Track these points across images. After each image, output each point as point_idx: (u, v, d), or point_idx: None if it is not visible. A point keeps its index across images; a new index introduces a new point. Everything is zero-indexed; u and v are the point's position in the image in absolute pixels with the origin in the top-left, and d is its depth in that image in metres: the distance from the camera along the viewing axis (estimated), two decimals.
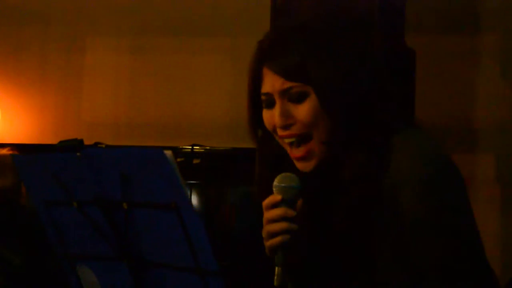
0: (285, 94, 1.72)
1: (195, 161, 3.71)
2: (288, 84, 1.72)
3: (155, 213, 1.72)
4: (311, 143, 1.73)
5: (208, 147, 3.76)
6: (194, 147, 3.71)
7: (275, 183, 1.72)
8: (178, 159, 1.49)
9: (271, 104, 1.76)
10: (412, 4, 3.29)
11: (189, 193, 2.58)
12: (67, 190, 1.83)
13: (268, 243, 1.72)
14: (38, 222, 1.98)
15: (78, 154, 1.79)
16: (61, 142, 2.96)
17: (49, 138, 4.08)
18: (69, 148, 1.84)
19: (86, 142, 3.17)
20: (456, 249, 1.68)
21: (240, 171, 3.70)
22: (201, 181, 3.67)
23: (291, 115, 1.73)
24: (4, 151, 3.41)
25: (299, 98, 1.72)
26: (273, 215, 1.71)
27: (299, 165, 1.75)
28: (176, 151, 3.58)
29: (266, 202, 1.73)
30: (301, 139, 1.74)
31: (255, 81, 1.80)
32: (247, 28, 4.10)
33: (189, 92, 4.25)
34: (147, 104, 4.30)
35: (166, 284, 1.82)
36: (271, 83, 1.75)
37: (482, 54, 3.68)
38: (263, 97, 1.77)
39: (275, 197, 1.71)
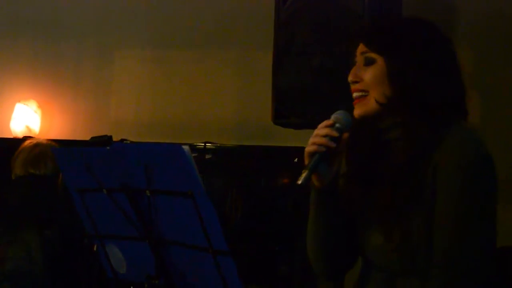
0: (361, 56, 1.83)
1: (207, 156, 3.69)
2: (365, 49, 1.82)
3: (174, 200, 1.71)
4: (367, 98, 1.80)
5: (218, 144, 3.74)
6: (207, 144, 3.69)
7: (334, 114, 1.81)
8: (193, 154, 1.49)
9: (354, 64, 1.86)
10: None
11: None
12: (98, 179, 1.82)
13: (307, 148, 1.77)
14: (71, 206, 1.97)
15: (107, 148, 1.77)
16: (92, 138, 2.95)
17: (82, 135, 4.06)
18: (100, 143, 1.83)
19: (113, 139, 3.16)
20: (470, 225, 1.69)
21: (245, 165, 3.69)
22: (212, 173, 3.66)
23: (358, 74, 1.82)
24: (45, 141, 3.39)
25: (368, 63, 1.81)
26: (321, 131, 1.77)
27: (355, 110, 1.83)
28: (191, 147, 3.55)
29: (321, 124, 1.80)
30: (361, 95, 1.81)
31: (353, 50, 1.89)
32: (252, 41, 4.08)
33: (202, 96, 4.23)
34: (166, 106, 4.28)
35: (182, 261, 1.81)
36: (359, 48, 1.85)
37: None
38: (354, 60, 1.87)
39: (328, 121, 1.79)
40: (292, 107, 3.18)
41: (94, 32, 4.44)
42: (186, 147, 1.66)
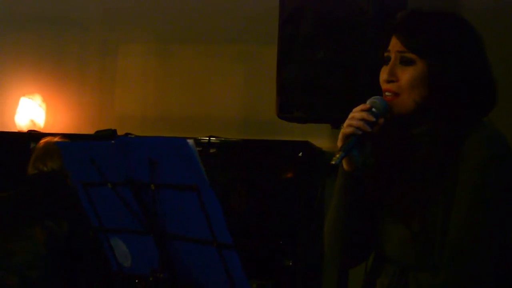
0: (397, 54, 1.80)
1: (212, 150, 3.69)
2: (403, 48, 1.79)
3: (179, 193, 1.71)
4: (402, 97, 1.79)
5: (223, 138, 3.74)
6: (211, 138, 3.69)
7: (371, 98, 1.80)
8: (197, 148, 1.49)
9: (387, 62, 1.83)
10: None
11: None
12: (102, 173, 1.82)
13: (344, 130, 1.76)
14: (79, 199, 1.97)
15: (112, 142, 1.78)
16: (97, 132, 2.95)
17: (87, 129, 4.07)
18: (105, 137, 1.83)
19: (118, 133, 3.17)
20: (482, 221, 1.70)
21: (249, 159, 3.69)
22: (216, 167, 3.66)
23: (395, 73, 1.80)
24: (56, 139, 3.42)
25: (407, 62, 1.78)
26: (356, 114, 1.77)
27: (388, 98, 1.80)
28: (195, 141, 3.56)
29: (356, 107, 1.79)
30: (392, 94, 1.80)
31: (384, 45, 1.86)
32: (257, 36, 4.08)
33: (207, 90, 4.23)
34: (171, 101, 4.28)
35: (187, 255, 1.81)
36: (393, 44, 1.82)
37: None
38: (385, 55, 1.84)
39: (365, 105, 1.78)
40: (296, 101, 3.18)
41: (99, 26, 4.44)
42: (191, 141, 1.66)
